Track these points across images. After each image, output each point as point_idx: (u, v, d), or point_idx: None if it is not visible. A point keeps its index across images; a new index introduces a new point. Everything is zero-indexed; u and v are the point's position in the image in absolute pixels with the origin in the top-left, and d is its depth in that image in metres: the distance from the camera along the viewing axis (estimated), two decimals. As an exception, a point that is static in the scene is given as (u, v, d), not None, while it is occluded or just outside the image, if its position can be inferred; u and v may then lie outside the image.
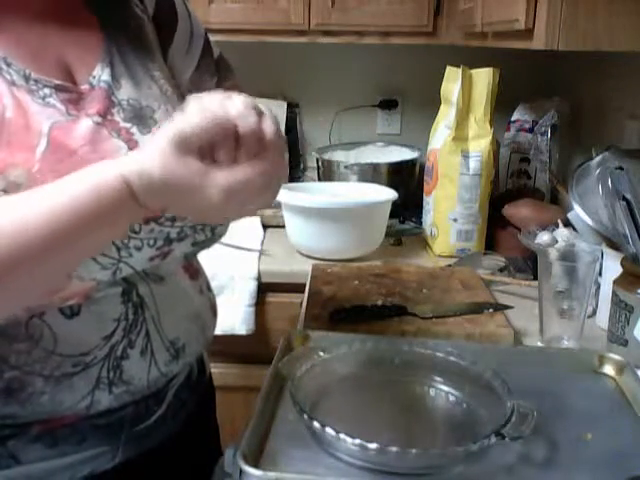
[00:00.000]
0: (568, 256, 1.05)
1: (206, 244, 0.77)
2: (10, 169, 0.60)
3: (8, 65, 0.64)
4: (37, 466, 0.70)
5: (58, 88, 0.67)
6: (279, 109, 1.99)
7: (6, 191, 0.59)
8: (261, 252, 1.53)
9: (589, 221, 1.20)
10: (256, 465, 0.67)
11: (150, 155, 0.56)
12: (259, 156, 0.58)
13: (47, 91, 0.66)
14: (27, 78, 0.65)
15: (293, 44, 1.73)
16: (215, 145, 0.57)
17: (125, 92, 0.71)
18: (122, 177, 0.56)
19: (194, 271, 0.81)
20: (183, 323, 0.77)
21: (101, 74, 0.70)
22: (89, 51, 0.71)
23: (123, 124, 0.69)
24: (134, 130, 0.69)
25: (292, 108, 2.02)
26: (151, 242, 0.69)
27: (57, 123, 0.64)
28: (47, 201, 0.56)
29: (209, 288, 0.85)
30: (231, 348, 1.46)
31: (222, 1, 1.66)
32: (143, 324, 0.71)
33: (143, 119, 0.71)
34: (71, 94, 0.67)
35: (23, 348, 0.65)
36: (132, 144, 0.68)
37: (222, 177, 0.56)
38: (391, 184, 1.61)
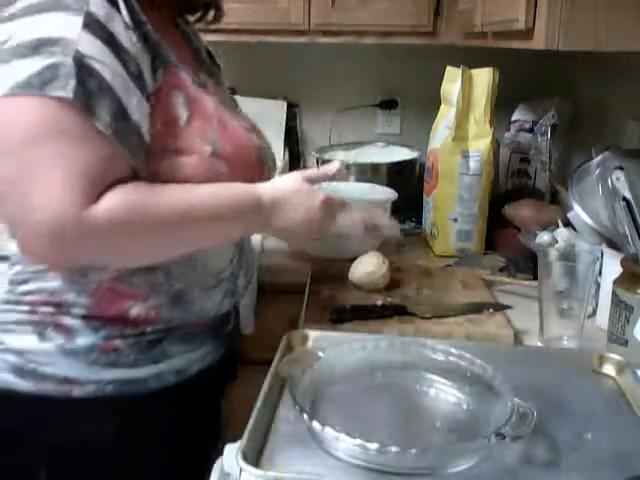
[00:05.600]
0: (568, 256, 1.05)
1: None
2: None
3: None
4: (180, 358, 0.91)
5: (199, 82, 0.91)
6: (279, 109, 1.98)
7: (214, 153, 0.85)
8: (261, 252, 1.53)
9: (589, 221, 1.20)
10: (256, 464, 0.67)
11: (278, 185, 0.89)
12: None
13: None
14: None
15: (293, 44, 1.73)
16: None
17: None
18: (258, 194, 0.86)
19: None
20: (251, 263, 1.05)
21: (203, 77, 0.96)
22: (189, 60, 0.95)
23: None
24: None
25: (292, 108, 2.02)
26: None
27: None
28: (212, 196, 0.83)
29: None
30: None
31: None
32: (242, 255, 0.98)
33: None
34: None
35: (187, 267, 0.88)
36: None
37: (320, 194, 0.91)
38: (391, 184, 1.60)
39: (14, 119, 0.73)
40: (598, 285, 1.14)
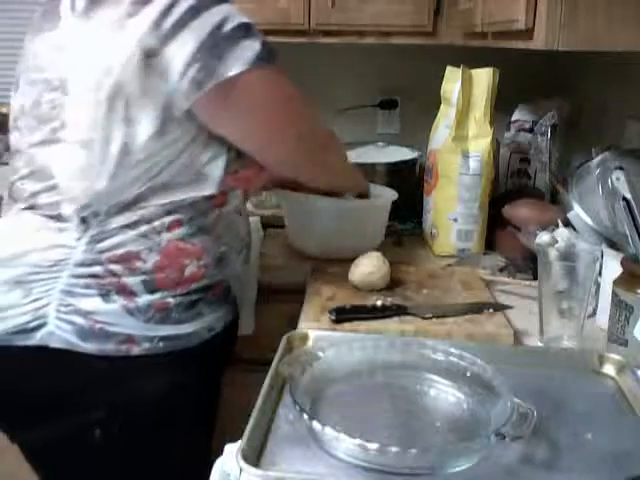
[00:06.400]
0: (568, 256, 1.05)
1: None
2: None
3: None
4: (209, 317, 1.03)
5: None
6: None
7: None
8: (261, 252, 1.53)
9: (589, 221, 1.20)
10: (256, 465, 0.67)
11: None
12: None
13: None
14: None
15: (293, 44, 1.73)
16: None
17: None
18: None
19: None
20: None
21: None
22: None
23: None
24: None
25: (292, 108, 2.02)
26: None
27: None
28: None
29: None
30: (231, 348, 1.46)
31: (222, 1, 1.66)
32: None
33: None
34: None
35: (230, 232, 1.06)
36: None
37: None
38: (391, 184, 1.60)
39: (263, 86, 1.03)
40: (598, 285, 1.14)
